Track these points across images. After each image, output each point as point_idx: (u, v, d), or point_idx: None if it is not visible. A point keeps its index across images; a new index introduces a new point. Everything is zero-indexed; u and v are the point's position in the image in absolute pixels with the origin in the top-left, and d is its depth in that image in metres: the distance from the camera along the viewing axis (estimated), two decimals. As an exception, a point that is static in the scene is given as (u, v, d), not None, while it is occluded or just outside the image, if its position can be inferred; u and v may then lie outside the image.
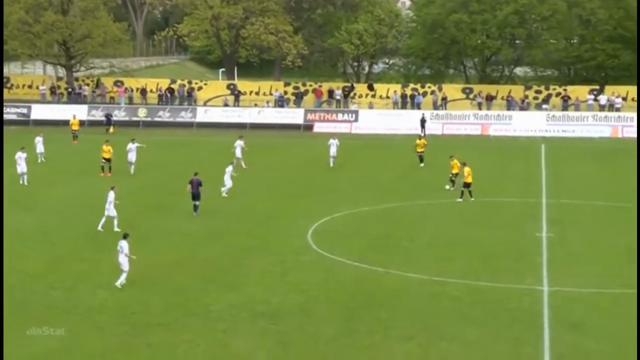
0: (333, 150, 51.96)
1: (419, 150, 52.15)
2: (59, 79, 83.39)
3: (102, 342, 22.39)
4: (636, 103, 74.66)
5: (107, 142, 48.80)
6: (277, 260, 30.60)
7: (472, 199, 41.29)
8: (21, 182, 44.62)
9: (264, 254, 31.45)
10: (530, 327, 23.77)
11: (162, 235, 34.25)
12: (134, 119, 74.66)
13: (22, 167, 44.90)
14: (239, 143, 52.12)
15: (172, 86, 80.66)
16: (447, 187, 43.46)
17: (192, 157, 55.88)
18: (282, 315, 24.60)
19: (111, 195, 34.58)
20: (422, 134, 67.91)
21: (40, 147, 52.62)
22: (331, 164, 51.71)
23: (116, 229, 34.33)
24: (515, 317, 24.65)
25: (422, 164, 51.84)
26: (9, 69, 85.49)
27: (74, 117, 65.78)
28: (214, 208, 39.03)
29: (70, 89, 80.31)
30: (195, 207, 37.26)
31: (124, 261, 26.82)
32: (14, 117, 73.66)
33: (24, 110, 74.68)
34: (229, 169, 42.61)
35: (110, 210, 34.47)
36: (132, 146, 48.30)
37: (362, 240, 33.70)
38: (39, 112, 74.89)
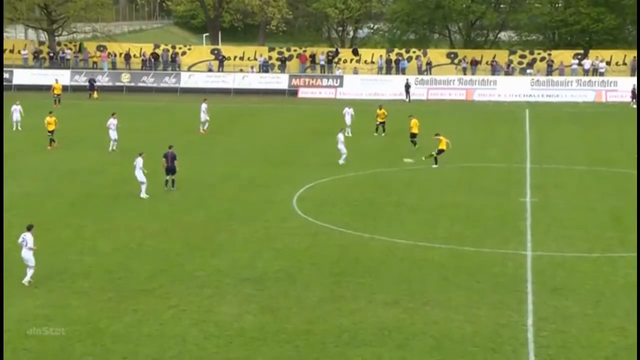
0: (348, 120, 51.06)
1: (380, 120, 51.42)
2: (41, 43, 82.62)
3: (87, 308, 22.41)
4: (621, 68, 74.91)
5: (50, 114, 46.84)
6: (262, 226, 30.64)
7: (436, 165, 40.94)
8: None
9: (248, 220, 31.48)
10: (514, 291, 23.93)
11: (147, 202, 34.20)
12: (118, 84, 74.27)
13: None
14: (204, 106, 51.90)
15: (156, 51, 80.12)
16: (424, 157, 41.73)
17: (176, 123, 55.68)
18: (267, 281, 24.67)
19: (139, 161, 34.64)
20: (407, 99, 68.13)
21: (16, 116, 52.15)
22: (347, 134, 50.24)
23: (143, 194, 34.41)
24: (499, 281, 24.81)
25: (381, 134, 50.77)
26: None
27: (56, 81, 65.48)
28: (197, 175, 38.99)
29: (52, 54, 79.63)
30: (169, 182, 36.05)
31: (28, 256, 23.98)
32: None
33: (6, 75, 73.83)
34: (340, 136, 41.83)
35: (140, 176, 34.53)
36: (112, 121, 44.94)
37: (347, 206, 33.74)
38: (21, 77, 74.33)
